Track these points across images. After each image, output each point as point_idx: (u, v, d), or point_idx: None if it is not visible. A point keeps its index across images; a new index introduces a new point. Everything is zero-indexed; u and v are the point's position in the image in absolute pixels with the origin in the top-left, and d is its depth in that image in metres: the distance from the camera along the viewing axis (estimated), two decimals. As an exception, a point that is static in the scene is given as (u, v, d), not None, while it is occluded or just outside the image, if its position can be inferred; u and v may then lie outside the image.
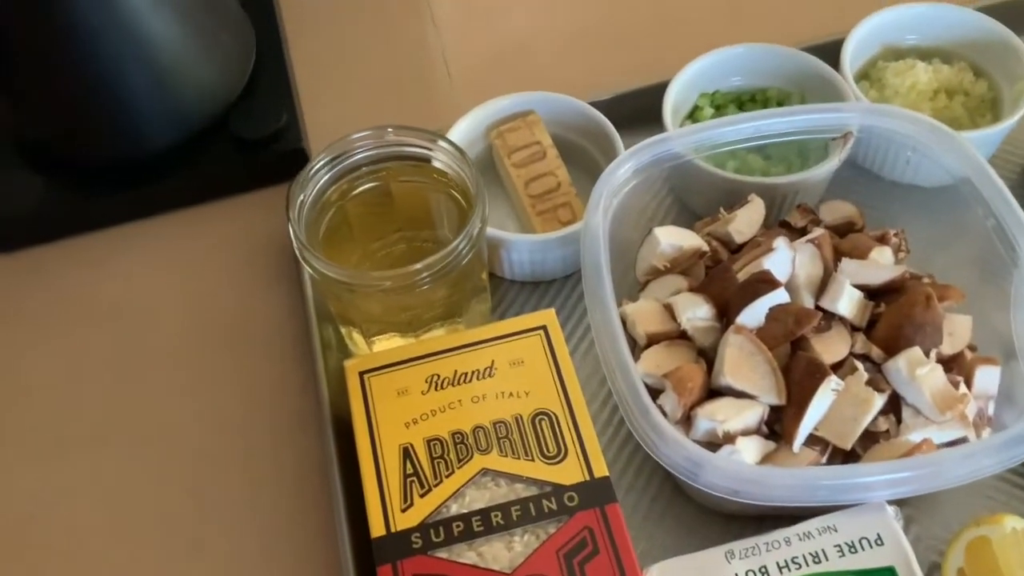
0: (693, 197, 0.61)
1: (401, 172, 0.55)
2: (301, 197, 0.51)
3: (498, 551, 0.45)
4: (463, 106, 0.63)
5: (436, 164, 0.54)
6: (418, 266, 0.49)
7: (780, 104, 0.64)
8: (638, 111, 0.63)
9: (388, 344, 0.55)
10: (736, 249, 0.55)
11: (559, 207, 0.60)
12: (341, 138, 0.52)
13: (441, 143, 0.53)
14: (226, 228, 0.66)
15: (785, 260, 0.50)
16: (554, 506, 0.45)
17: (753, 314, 0.48)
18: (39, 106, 0.64)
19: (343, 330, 0.57)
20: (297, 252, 0.50)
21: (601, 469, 0.46)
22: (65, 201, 0.66)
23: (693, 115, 0.64)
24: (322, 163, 0.52)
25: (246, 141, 0.66)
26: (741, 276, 0.50)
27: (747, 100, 0.65)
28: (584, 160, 0.63)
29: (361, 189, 0.54)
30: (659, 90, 0.63)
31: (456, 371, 0.50)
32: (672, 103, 0.61)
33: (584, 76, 0.72)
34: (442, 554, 0.45)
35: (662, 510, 0.52)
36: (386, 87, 0.73)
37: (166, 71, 0.63)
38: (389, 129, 0.53)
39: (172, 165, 0.66)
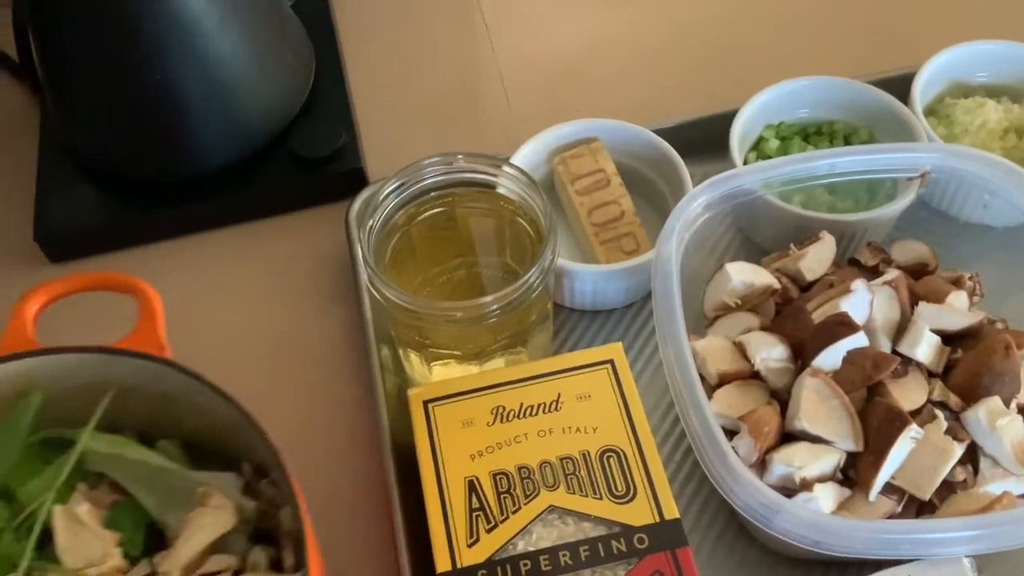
0: (759, 232, 0.60)
1: (467, 198, 0.54)
2: (371, 222, 0.51)
3: (567, 592, 0.44)
4: (520, 131, 0.62)
5: (503, 191, 0.54)
6: (488, 299, 0.48)
7: (846, 138, 0.64)
8: (699, 140, 0.63)
9: (448, 370, 0.55)
10: (806, 287, 0.54)
11: (622, 237, 0.59)
12: (412, 163, 0.52)
13: (511, 171, 0.52)
14: (283, 245, 0.66)
15: (863, 302, 0.49)
16: (624, 547, 0.44)
17: (830, 357, 0.47)
18: (101, 122, 0.64)
19: (401, 352, 0.56)
20: (367, 279, 0.49)
21: (672, 511, 0.45)
22: (123, 214, 0.66)
23: (758, 146, 0.63)
24: (393, 187, 0.51)
25: (305, 159, 0.66)
26: (816, 316, 0.49)
27: (812, 132, 0.64)
28: (647, 189, 0.62)
29: (427, 214, 0.54)
30: (722, 120, 0.62)
31: (522, 404, 0.49)
32: (739, 134, 0.60)
33: (645, 103, 0.71)
34: (509, 593, 0.44)
35: (726, 551, 0.51)
36: (442, 110, 0.73)
37: (231, 89, 0.63)
38: (459, 156, 0.52)
39: (231, 181, 0.65)
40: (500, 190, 0.54)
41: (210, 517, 0.44)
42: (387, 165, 0.67)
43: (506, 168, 0.52)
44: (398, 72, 0.75)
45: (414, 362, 0.56)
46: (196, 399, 0.45)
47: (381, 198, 0.51)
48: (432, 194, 0.53)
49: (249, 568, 0.44)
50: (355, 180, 0.66)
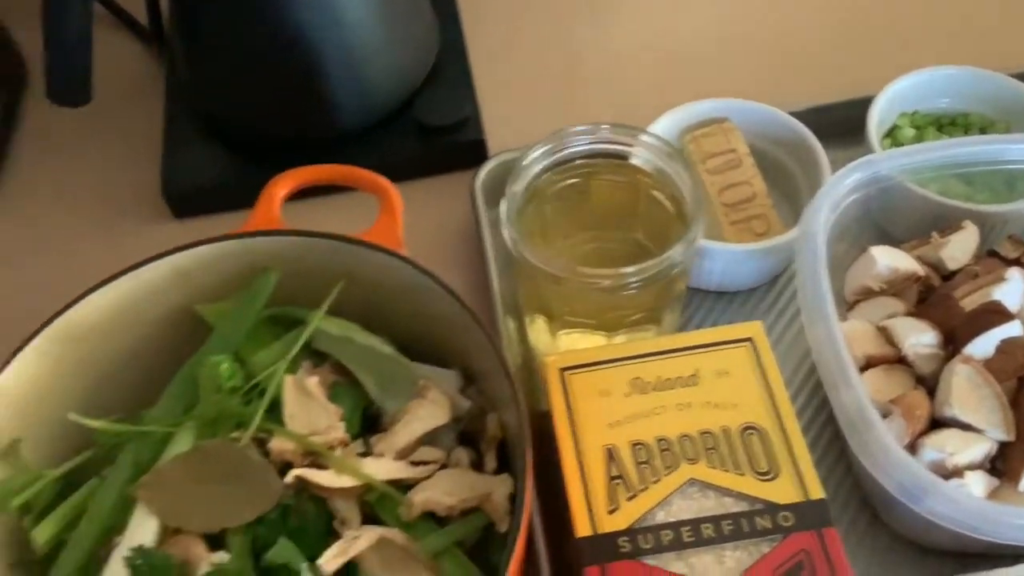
0: (892, 219, 0.59)
1: (606, 169, 0.54)
2: (514, 187, 0.51)
3: (708, 564, 0.43)
4: (643, 111, 0.62)
5: (642, 163, 0.53)
6: (631, 269, 0.48)
7: (982, 130, 0.62)
8: (829, 125, 0.62)
9: (575, 341, 0.55)
10: (947, 276, 0.53)
11: (753, 218, 0.58)
12: (558, 131, 0.51)
13: (658, 145, 0.52)
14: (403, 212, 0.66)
15: (1017, 291, 0.48)
16: (768, 524, 0.44)
17: (982, 345, 0.46)
18: (233, 81, 0.65)
19: (527, 320, 0.56)
20: (510, 243, 0.49)
21: (817, 491, 0.45)
22: (247, 174, 0.66)
23: (892, 134, 0.62)
24: (538, 153, 0.51)
25: (429, 128, 0.66)
26: (966, 304, 0.48)
27: (947, 123, 0.63)
28: (777, 173, 0.61)
29: (564, 184, 0.54)
30: (854, 105, 0.61)
31: (659, 376, 0.49)
32: (876, 120, 0.59)
33: (774, 85, 0.70)
34: (651, 561, 0.44)
35: (857, 539, 0.50)
36: (561, 87, 0.73)
37: (364, 52, 0.64)
38: (604, 125, 0.52)
39: (355, 146, 0.66)
40: (639, 162, 0.53)
41: (427, 409, 0.46)
42: (506, 139, 0.68)
43: (650, 140, 0.52)
44: (518, 48, 0.75)
45: (540, 331, 0.56)
46: (423, 298, 0.48)
47: (525, 163, 0.51)
48: (574, 163, 0.53)
49: (452, 465, 0.45)
50: (476, 152, 0.67)
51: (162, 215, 0.68)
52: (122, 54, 0.77)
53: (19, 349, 0.47)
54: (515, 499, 0.45)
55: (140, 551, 0.42)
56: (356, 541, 0.41)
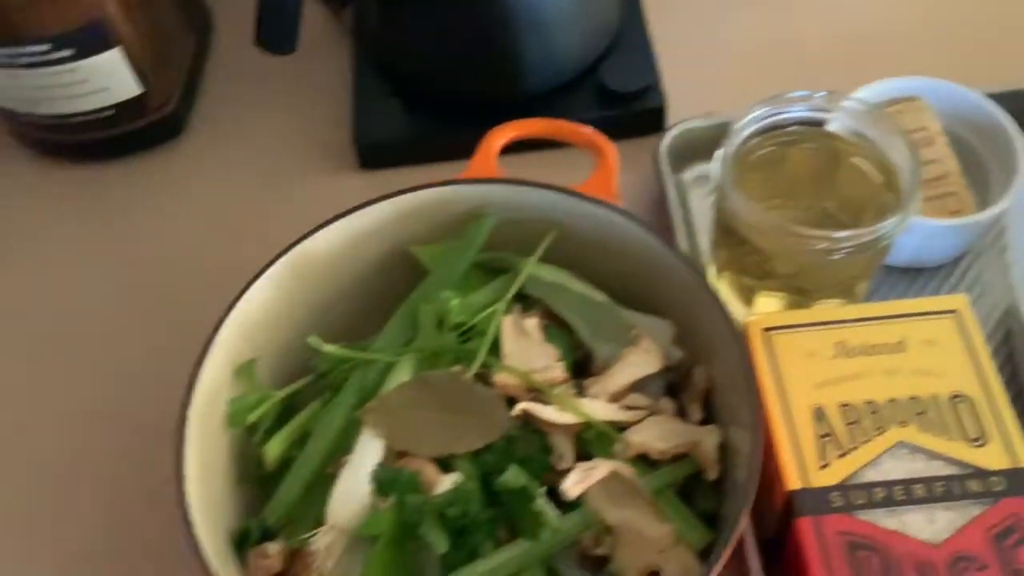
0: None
1: (810, 137, 0.55)
2: (725, 149, 0.52)
3: (919, 523, 0.44)
4: (830, 85, 0.62)
5: (850, 134, 0.54)
6: (846, 233, 0.48)
7: None
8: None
9: (767, 306, 0.56)
10: None
11: (947, 196, 0.59)
12: (776, 95, 0.53)
13: (876, 114, 0.52)
14: (581, 176, 0.68)
15: None
16: (979, 488, 0.45)
17: None
18: (424, 40, 0.67)
19: (720, 283, 0.58)
20: (727, 199, 0.51)
21: (1028, 458, 0.46)
22: (432, 130, 0.69)
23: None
24: (753, 116, 0.52)
25: (613, 94, 0.67)
26: None
27: None
28: (967, 157, 0.61)
29: (767, 149, 0.55)
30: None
31: (865, 342, 0.50)
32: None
33: (969, 66, 0.68)
34: (862, 516, 0.45)
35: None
36: (741, 59, 0.73)
37: (554, 17, 0.65)
38: (819, 93, 0.53)
39: (539, 109, 0.66)
40: (845, 130, 0.54)
41: (640, 357, 0.47)
42: (684, 108, 0.69)
43: (864, 108, 0.52)
44: (698, 17, 0.76)
45: (732, 296, 0.57)
46: (636, 251, 0.50)
47: (739, 125, 0.52)
48: (783, 129, 0.54)
49: (659, 413, 0.47)
50: (655, 119, 0.68)
51: (346, 166, 0.70)
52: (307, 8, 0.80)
53: (257, 276, 0.49)
54: (725, 448, 0.47)
55: (382, 466, 0.44)
56: (594, 471, 0.43)
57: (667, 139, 0.65)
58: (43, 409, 0.61)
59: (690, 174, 0.66)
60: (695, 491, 0.48)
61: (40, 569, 0.54)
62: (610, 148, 0.53)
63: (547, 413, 0.45)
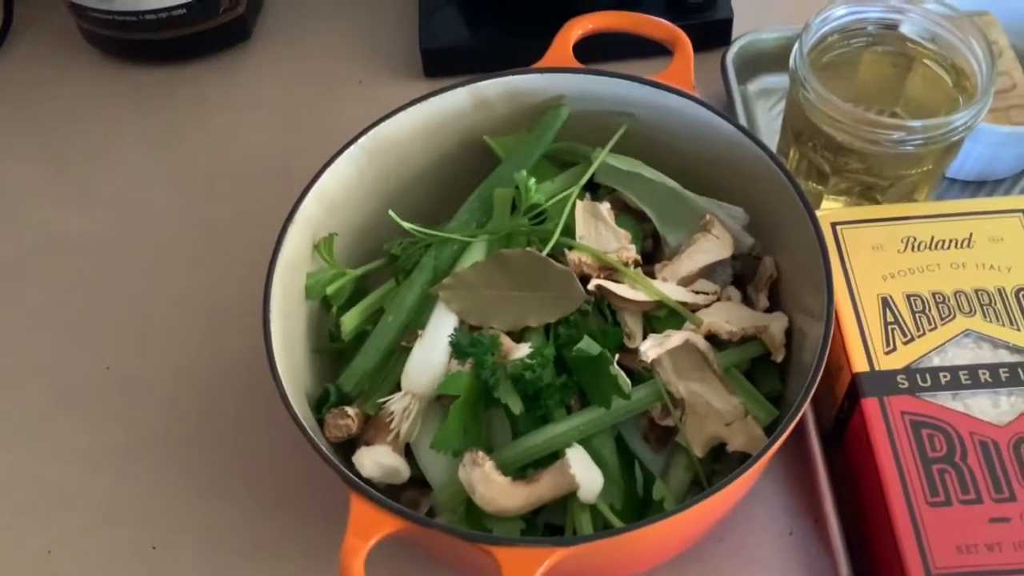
0: None
1: (884, 40, 0.55)
2: (805, 41, 0.52)
3: (984, 406, 0.45)
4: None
5: (925, 37, 0.54)
6: (919, 123, 0.49)
7: None
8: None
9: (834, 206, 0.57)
10: None
11: (1012, 107, 0.59)
12: (852, -5, 0.53)
13: (951, 15, 0.52)
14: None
15: None
16: (1045, 376, 0.46)
17: None
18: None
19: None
20: (806, 95, 0.51)
21: (1095, 350, 0.46)
22: (497, 39, 0.70)
23: None
24: (831, 13, 0.53)
25: (682, 4, 0.68)
26: None
27: None
28: (1036, 71, 0.62)
29: (840, 51, 0.55)
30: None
31: (933, 237, 0.50)
32: None
33: None
34: (927, 398, 0.46)
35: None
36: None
37: (625, -76, 0.66)
38: (899, -5, 0.53)
39: (603, 18, 0.68)
40: (918, 32, 0.54)
41: (711, 242, 0.48)
42: (751, 22, 0.69)
43: (941, 10, 0.53)
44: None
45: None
46: (712, 141, 0.50)
47: (816, 21, 0.53)
48: (858, 30, 0.54)
49: (726, 299, 0.48)
50: (723, 31, 0.68)
51: (412, 73, 0.71)
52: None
53: (336, 156, 0.50)
54: (790, 334, 0.48)
55: (461, 331, 0.45)
56: (669, 339, 0.44)
57: (734, 49, 0.65)
58: (120, 294, 0.62)
59: (755, 86, 0.67)
60: (760, 375, 0.49)
61: (119, 442, 0.56)
62: (686, 40, 0.53)
63: (620, 290, 0.47)
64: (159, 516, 0.53)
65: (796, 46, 0.52)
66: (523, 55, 0.67)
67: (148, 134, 0.71)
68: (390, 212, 0.50)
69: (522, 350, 0.45)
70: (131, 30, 0.70)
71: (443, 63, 0.70)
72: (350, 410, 0.47)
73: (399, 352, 0.48)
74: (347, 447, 0.47)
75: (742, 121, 0.62)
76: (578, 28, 0.55)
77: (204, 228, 0.65)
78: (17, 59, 0.75)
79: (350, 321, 0.50)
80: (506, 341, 0.46)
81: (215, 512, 0.53)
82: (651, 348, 0.44)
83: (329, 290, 0.50)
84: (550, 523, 0.46)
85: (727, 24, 0.68)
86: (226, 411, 0.56)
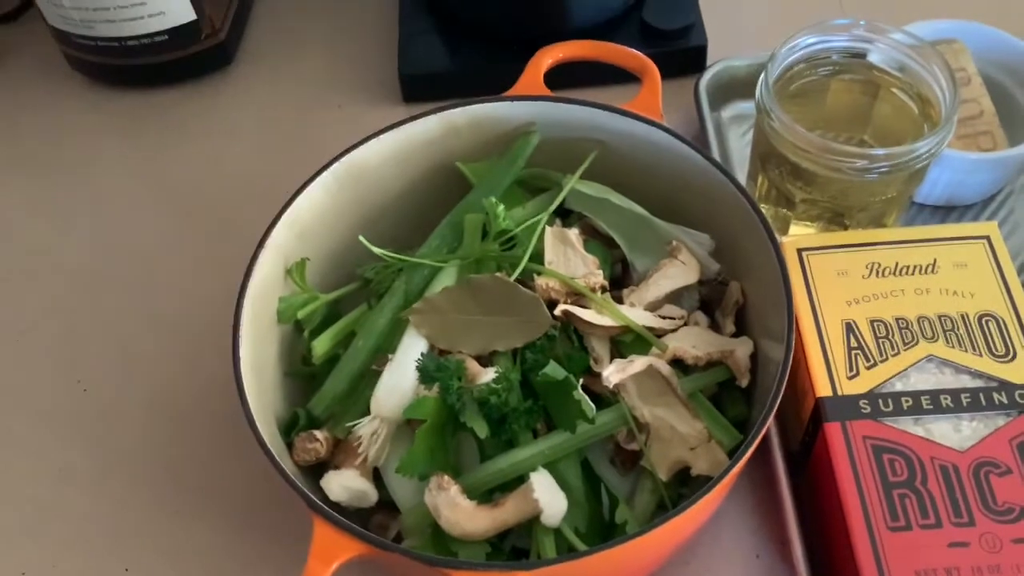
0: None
1: (851, 69, 0.56)
2: (770, 72, 0.53)
3: (945, 431, 0.46)
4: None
5: (891, 65, 0.55)
6: (882, 151, 0.50)
7: None
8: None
9: (804, 232, 0.57)
10: None
11: (980, 134, 0.60)
12: (819, 23, 0.54)
13: (915, 44, 0.53)
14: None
15: None
16: (1004, 400, 0.46)
17: None
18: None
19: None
20: (767, 121, 0.52)
21: (1053, 375, 0.47)
22: (475, 65, 0.70)
23: None
24: (797, 42, 0.54)
25: (656, 31, 0.69)
26: None
27: None
28: (1005, 101, 0.62)
29: (808, 79, 0.56)
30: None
31: (897, 263, 0.51)
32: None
33: (1010, 11, 0.70)
34: (889, 422, 0.46)
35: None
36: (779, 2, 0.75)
37: (599, -46, 0.67)
38: (862, 22, 0.54)
39: (580, 45, 0.69)
40: (885, 61, 0.55)
41: (677, 268, 0.49)
42: (725, 48, 0.70)
43: (906, 39, 0.53)
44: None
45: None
46: (679, 168, 0.51)
47: (782, 51, 0.54)
48: (824, 59, 0.55)
49: (693, 324, 0.48)
50: (697, 58, 0.69)
51: (391, 99, 0.72)
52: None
53: (308, 182, 0.51)
54: (756, 359, 0.49)
55: (428, 356, 0.46)
56: (632, 364, 0.45)
57: (707, 76, 0.66)
58: (99, 317, 0.63)
59: (728, 112, 0.67)
60: (727, 400, 0.49)
61: (92, 466, 0.57)
62: (654, 70, 0.54)
63: (587, 315, 0.47)
64: (132, 538, 0.54)
65: (762, 75, 0.53)
66: (501, 80, 0.68)
67: (130, 158, 0.72)
68: (360, 238, 0.51)
69: (488, 375, 0.46)
70: (114, 56, 0.71)
71: (422, 89, 0.71)
72: (319, 434, 0.47)
73: (370, 376, 0.49)
74: (319, 471, 0.48)
75: (714, 147, 0.63)
76: (548, 57, 0.56)
77: (183, 252, 0.66)
78: (4, 83, 0.76)
79: (321, 345, 0.50)
80: (472, 365, 0.46)
81: (188, 535, 0.54)
82: (614, 373, 0.44)
83: (300, 314, 0.51)
84: (518, 546, 0.47)
85: (701, 51, 0.69)
86: (200, 434, 0.57)
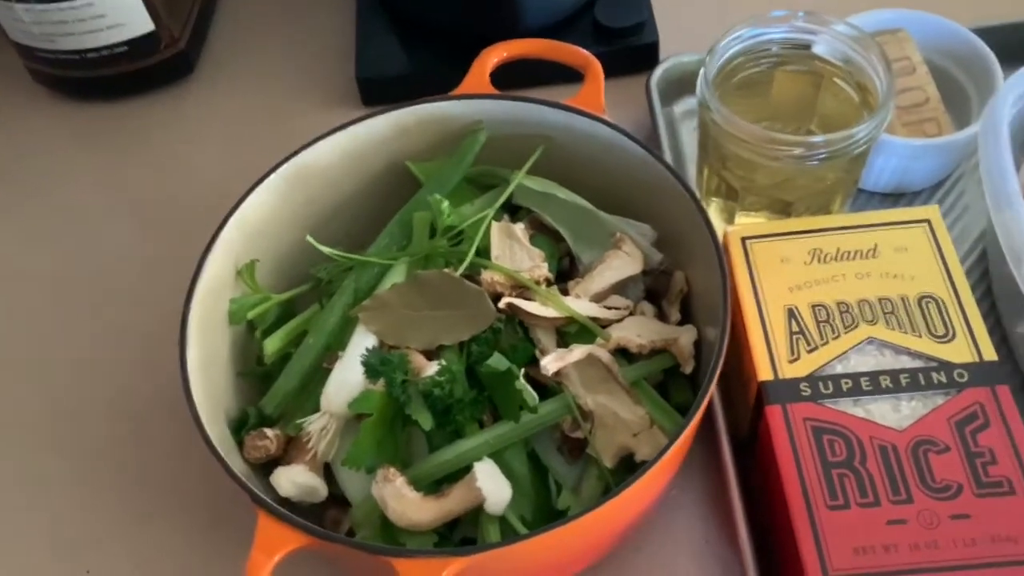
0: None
1: (793, 60, 0.57)
2: (710, 65, 0.54)
3: (885, 411, 0.47)
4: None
5: (832, 55, 0.55)
6: (820, 138, 0.51)
7: None
8: (1012, 46, 0.63)
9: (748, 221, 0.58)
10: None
11: (925, 121, 0.61)
12: (757, 15, 0.55)
13: (852, 34, 0.54)
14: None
15: None
16: (944, 379, 0.47)
17: None
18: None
19: (705, 205, 0.60)
20: (706, 113, 0.53)
21: (990, 353, 0.47)
22: (432, 67, 0.71)
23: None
24: (737, 35, 0.54)
25: (608, 30, 0.70)
26: None
27: None
28: (951, 88, 0.63)
29: (751, 71, 0.57)
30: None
31: (839, 248, 0.52)
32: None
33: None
34: (829, 404, 0.47)
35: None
36: None
37: (549, -46, 0.68)
38: (800, 13, 0.55)
39: (535, 45, 0.70)
40: (826, 52, 0.56)
41: (621, 260, 0.49)
42: (676, 45, 0.71)
43: (844, 29, 0.54)
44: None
45: (717, 216, 0.59)
46: (622, 162, 0.52)
47: (721, 44, 0.54)
48: (764, 51, 0.56)
49: (639, 314, 0.49)
50: (649, 55, 0.70)
51: (350, 103, 0.73)
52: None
53: (256, 184, 0.52)
54: (700, 346, 0.49)
55: (373, 351, 0.47)
56: (571, 352, 0.46)
57: (658, 72, 0.67)
58: (62, 323, 0.64)
59: (680, 108, 0.68)
60: (672, 387, 0.50)
61: (54, 469, 0.57)
62: (597, 65, 0.55)
63: (530, 307, 0.48)
64: (94, 541, 0.54)
65: (702, 69, 0.53)
66: (458, 81, 0.69)
67: (94, 168, 0.72)
68: (308, 238, 0.52)
69: (432, 367, 0.46)
70: (75, 68, 0.71)
71: (380, 92, 0.71)
72: (268, 431, 0.48)
73: (321, 374, 0.50)
74: (273, 469, 0.48)
75: (666, 143, 0.64)
76: (494, 56, 0.57)
77: (145, 259, 0.66)
78: (-33, 98, 0.77)
79: (272, 344, 0.51)
80: (417, 359, 0.47)
81: (150, 536, 0.54)
82: (552, 362, 0.45)
83: (251, 315, 0.51)
84: (468, 537, 0.47)
85: (653, 48, 0.70)
86: (160, 435, 0.57)
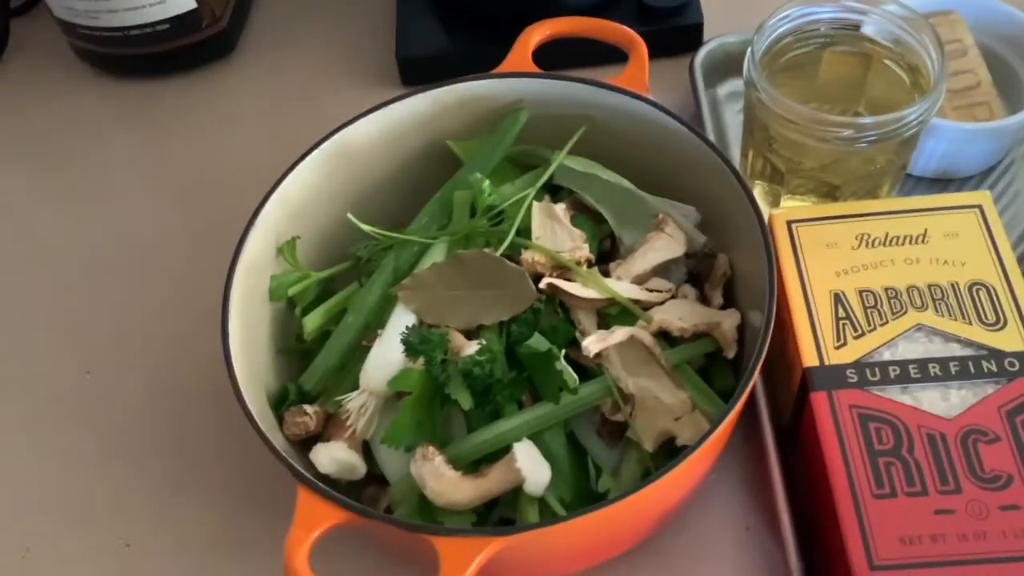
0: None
1: (842, 40, 0.56)
2: (758, 44, 0.53)
3: (933, 399, 0.46)
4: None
5: (882, 35, 0.54)
6: (870, 120, 0.50)
7: None
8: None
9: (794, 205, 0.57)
10: None
11: (976, 105, 0.59)
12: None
13: (904, 14, 0.53)
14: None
15: None
16: (994, 368, 0.46)
17: None
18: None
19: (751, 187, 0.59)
20: (754, 92, 0.52)
21: (1044, 343, 0.46)
22: (472, 47, 0.71)
23: None
24: (785, 14, 0.53)
25: (651, 10, 0.69)
26: None
27: None
28: (1002, 71, 0.61)
29: (799, 52, 0.56)
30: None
31: (887, 233, 0.51)
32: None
33: None
34: (876, 392, 0.46)
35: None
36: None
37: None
38: (848, -7, 0.54)
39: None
40: (876, 32, 0.54)
41: (664, 241, 0.48)
42: (722, 26, 0.69)
43: (895, 9, 0.53)
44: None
45: (762, 199, 0.58)
46: (667, 142, 0.51)
47: (769, 23, 0.53)
48: (813, 31, 0.55)
49: (681, 297, 0.48)
50: (693, 36, 0.69)
51: (390, 82, 0.72)
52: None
53: (298, 161, 0.52)
54: (743, 331, 0.49)
55: (413, 329, 0.46)
56: (613, 334, 0.45)
57: (702, 53, 0.66)
58: (103, 301, 0.64)
59: (724, 90, 0.67)
60: (715, 371, 0.49)
61: (93, 444, 0.58)
62: (641, 44, 0.54)
63: (572, 288, 0.47)
64: (133, 515, 0.55)
65: (750, 49, 0.52)
66: (499, 61, 0.68)
67: (135, 146, 0.73)
68: (348, 215, 0.51)
69: (472, 347, 0.46)
70: (117, 45, 0.72)
71: (420, 71, 0.71)
72: (308, 408, 0.48)
73: (360, 352, 0.49)
74: (313, 446, 0.48)
75: (710, 125, 0.63)
76: (536, 34, 0.56)
77: (185, 236, 0.67)
78: (12, 74, 0.78)
79: (312, 321, 0.51)
80: (457, 338, 0.47)
81: (189, 510, 0.55)
82: (593, 343, 0.44)
83: (291, 292, 0.51)
84: (505, 517, 0.47)
85: (698, 29, 0.69)
86: (200, 412, 0.58)
